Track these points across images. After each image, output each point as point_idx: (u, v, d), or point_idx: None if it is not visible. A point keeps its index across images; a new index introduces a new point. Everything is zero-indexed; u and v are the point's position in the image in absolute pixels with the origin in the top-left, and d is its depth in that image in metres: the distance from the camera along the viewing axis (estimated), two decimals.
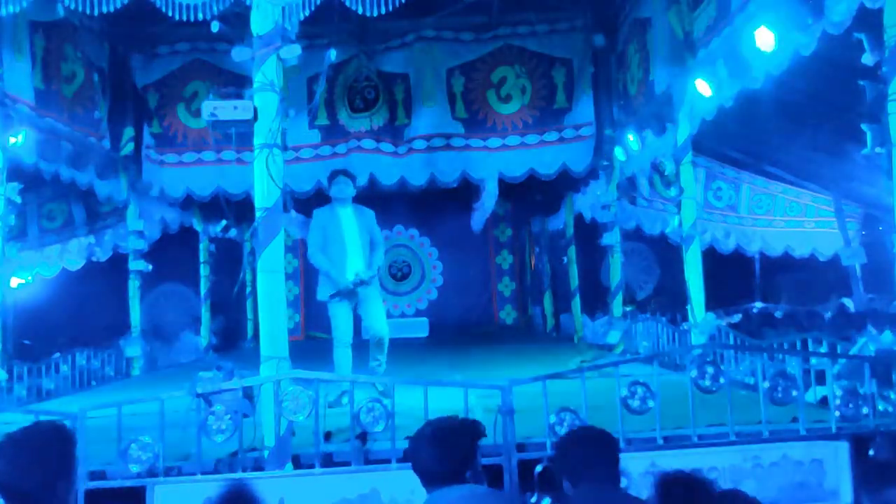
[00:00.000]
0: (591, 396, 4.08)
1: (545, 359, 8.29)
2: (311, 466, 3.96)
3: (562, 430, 3.85)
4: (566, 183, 10.12)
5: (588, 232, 10.76)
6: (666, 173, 7.72)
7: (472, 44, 9.28)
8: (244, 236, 12.49)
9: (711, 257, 9.80)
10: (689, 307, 6.82)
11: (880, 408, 4.30)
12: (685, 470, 2.76)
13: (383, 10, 5.00)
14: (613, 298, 9.50)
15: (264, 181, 4.30)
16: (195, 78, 9.27)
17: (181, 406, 4.37)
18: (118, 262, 10.31)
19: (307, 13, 4.58)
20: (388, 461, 3.97)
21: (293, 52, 4.40)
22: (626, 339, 9.16)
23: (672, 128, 7.09)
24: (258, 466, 4.04)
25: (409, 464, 2.58)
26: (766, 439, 4.08)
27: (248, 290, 11.58)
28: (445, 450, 2.46)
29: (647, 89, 7.72)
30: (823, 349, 5.30)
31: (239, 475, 3.90)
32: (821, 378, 4.98)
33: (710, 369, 4.28)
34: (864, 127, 4.41)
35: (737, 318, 10.40)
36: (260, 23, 4.39)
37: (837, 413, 4.19)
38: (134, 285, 9.52)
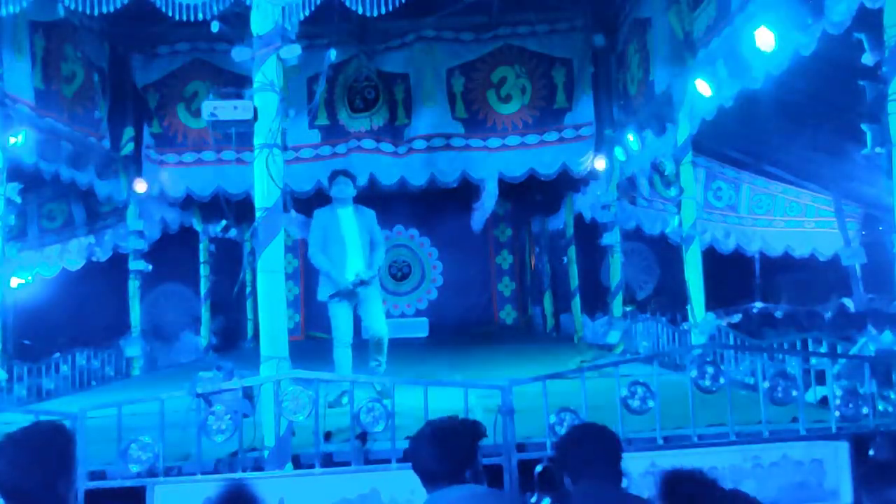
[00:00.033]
0: (591, 396, 4.08)
1: (545, 359, 8.29)
2: (311, 466, 3.96)
3: (562, 430, 3.84)
4: (566, 183, 10.12)
5: (588, 232, 10.76)
6: (666, 173, 7.72)
7: (472, 44, 9.29)
8: (244, 236, 12.48)
9: (711, 257, 9.80)
10: (689, 307, 6.82)
11: (880, 408, 4.30)
12: (690, 468, 2.76)
13: (383, 10, 5.00)
14: (613, 298, 9.50)
15: (264, 181, 4.30)
16: (195, 78, 9.27)
17: (181, 406, 4.36)
18: (118, 262, 10.31)
19: (307, 13, 4.58)
20: (388, 461, 3.97)
21: (293, 52, 4.40)
22: (626, 339, 9.16)
23: (672, 128, 7.09)
24: (258, 466, 4.04)
25: (409, 464, 2.58)
26: (766, 439, 4.08)
27: (248, 290, 11.58)
28: (446, 450, 2.46)
29: (647, 89, 7.72)
30: (823, 349, 5.30)
31: (239, 475, 3.90)
32: (821, 378, 4.98)
33: (710, 369, 4.28)
34: (864, 127, 4.41)
35: (737, 318, 10.39)
36: (260, 23, 4.39)
37: (837, 413, 4.19)
38: (134, 285, 9.53)
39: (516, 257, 14.36)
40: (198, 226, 11.84)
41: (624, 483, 2.59)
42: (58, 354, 7.93)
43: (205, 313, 11.95)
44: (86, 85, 8.32)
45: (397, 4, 4.99)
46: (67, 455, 2.09)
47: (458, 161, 9.30)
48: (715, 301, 7.61)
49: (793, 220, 12.24)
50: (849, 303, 10.89)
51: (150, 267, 9.75)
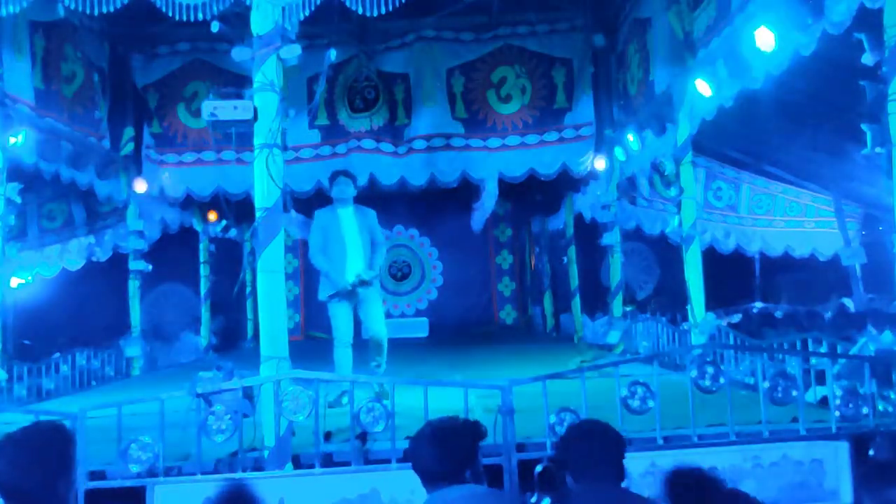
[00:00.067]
0: (591, 396, 4.08)
1: (545, 359, 8.29)
2: (311, 466, 3.96)
3: (562, 430, 3.83)
4: (566, 183, 10.12)
5: (588, 232, 10.76)
6: (666, 173, 7.72)
7: (472, 44, 9.29)
8: (244, 236, 12.49)
9: (711, 257, 9.80)
10: (689, 307, 6.82)
11: (880, 408, 4.30)
12: (694, 466, 2.76)
13: (383, 10, 5.00)
14: (613, 298, 9.50)
15: (264, 181, 4.31)
16: (195, 78, 9.28)
17: (181, 406, 4.36)
18: (118, 262, 10.31)
19: (307, 13, 4.58)
20: (388, 461, 3.97)
21: (293, 52, 4.41)
22: (626, 339, 9.16)
23: (672, 128, 7.09)
24: (258, 466, 4.04)
25: (409, 464, 2.58)
26: (766, 439, 4.08)
27: (248, 290, 11.58)
28: (446, 450, 2.46)
29: (647, 89, 7.72)
30: (823, 349, 5.30)
31: (239, 475, 3.90)
32: (821, 378, 4.97)
33: (710, 369, 4.28)
34: (864, 127, 4.41)
35: (737, 318, 10.39)
36: (260, 23, 4.39)
37: (837, 413, 4.19)
38: (134, 285, 9.53)
39: (516, 257, 14.37)
40: (198, 226, 11.85)
41: (623, 484, 2.59)
42: (58, 354, 7.93)
43: (205, 313, 11.95)
44: (86, 85, 8.33)
45: (397, 4, 4.99)
46: (67, 455, 2.09)
47: (458, 161, 9.31)
48: (715, 301, 7.61)
49: (793, 220, 12.24)
50: (849, 303, 10.89)
51: (150, 267, 9.75)
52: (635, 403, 4.11)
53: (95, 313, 10.88)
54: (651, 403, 4.10)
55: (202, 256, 12.02)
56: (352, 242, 5.85)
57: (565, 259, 11.45)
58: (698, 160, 9.46)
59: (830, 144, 9.06)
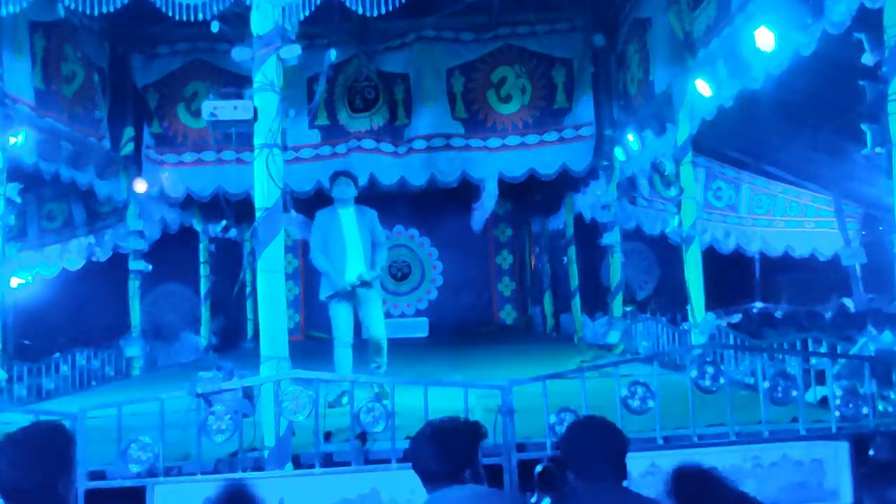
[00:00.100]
0: (591, 396, 4.08)
1: (545, 359, 8.29)
2: (311, 466, 3.96)
3: (562, 430, 3.84)
4: (566, 183, 10.12)
5: (588, 232, 10.76)
6: (666, 173, 7.71)
7: (472, 44, 9.28)
8: (244, 236, 12.49)
9: (711, 257, 9.80)
10: (689, 307, 6.82)
11: (880, 408, 4.30)
12: (699, 464, 2.75)
13: (383, 10, 5.00)
14: (613, 298, 9.49)
15: (264, 181, 4.31)
16: (195, 78, 9.27)
17: (181, 406, 4.36)
18: (118, 262, 10.31)
19: (307, 13, 4.58)
20: (388, 461, 3.97)
21: (293, 52, 4.41)
22: (626, 339, 9.16)
23: (672, 128, 7.09)
24: (258, 466, 4.04)
25: (409, 464, 2.58)
26: (766, 439, 4.08)
27: (248, 290, 11.59)
28: (446, 450, 2.46)
29: (647, 89, 7.72)
30: (823, 349, 5.30)
31: (239, 475, 3.90)
32: (821, 378, 4.97)
33: (710, 369, 4.28)
34: (864, 127, 4.41)
35: (737, 318, 10.39)
36: (260, 23, 4.39)
37: (837, 413, 4.19)
38: (134, 285, 9.52)
39: (516, 257, 14.37)
40: (198, 226, 11.84)
41: (625, 483, 2.59)
42: (58, 354, 7.93)
43: (205, 313, 11.95)
44: (86, 85, 8.32)
45: (397, 4, 4.99)
46: (67, 455, 2.09)
47: (458, 161, 9.30)
48: (715, 301, 7.61)
49: (793, 220, 12.24)
50: (849, 303, 10.89)
51: (150, 267, 9.75)
52: (635, 403, 4.11)
53: (95, 313, 10.88)
54: (651, 403, 4.10)
55: (202, 256, 12.01)
56: (352, 243, 5.84)
57: (565, 259, 11.45)
58: (698, 160, 9.47)
59: (830, 144, 9.06)
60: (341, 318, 5.81)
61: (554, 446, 3.85)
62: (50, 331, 10.37)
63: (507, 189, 10.36)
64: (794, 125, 8.79)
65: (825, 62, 5.39)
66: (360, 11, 5.01)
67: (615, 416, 3.99)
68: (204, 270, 12.01)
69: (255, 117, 4.32)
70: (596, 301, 10.88)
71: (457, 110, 9.27)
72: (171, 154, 9.44)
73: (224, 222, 11.58)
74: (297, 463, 4.07)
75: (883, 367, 4.40)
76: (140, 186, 9.34)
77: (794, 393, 4.20)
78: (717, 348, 6.00)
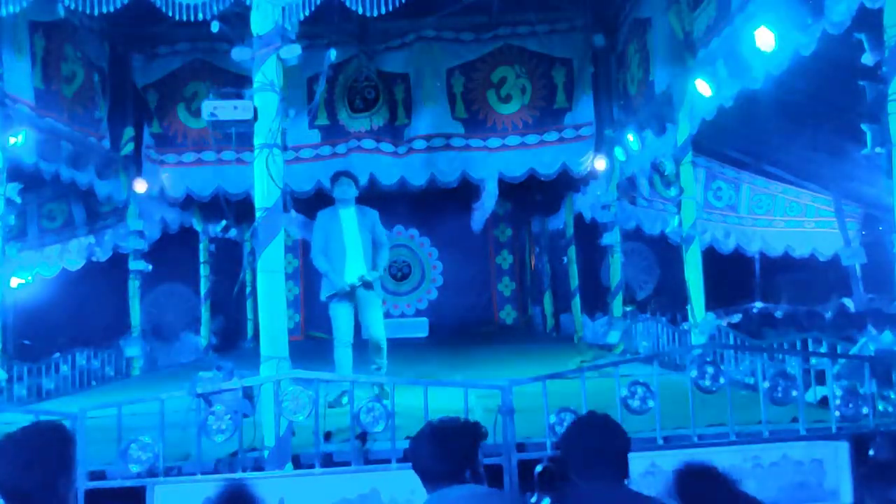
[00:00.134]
0: (591, 396, 4.07)
1: (545, 359, 8.28)
2: (311, 466, 3.96)
3: (562, 430, 3.84)
4: (566, 183, 10.12)
5: (588, 232, 10.76)
6: (666, 173, 7.71)
7: (472, 44, 9.29)
8: (244, 236, 12.49)
9: (711, 257, 9.80)
10: (689, 307, 6.82)
11: (880, 408, 4.30)
12: (703, 463, 2.75)
13: (383, 10, 5.00)
14: (613, 298, 9.50)
15: (264, 181, 4.31)
16: (195, 78, 9.27)
17: (181, 406, 4.36)
18: (118, 262, 10.31)
19: (307, 13, 4.58)
20: (388, 461, 3.97)
21: (293, 52, 4.41)
22: (626, 339, 9.16)
23: (672, 128, 7.09)
24: (258, 466, 4.04)
25: (409, 464, 2.58)
26: (766, 439, 4.08)
27: (248, 290, 11.58)
28: (446, 450, 2.46)
29: (647, 89, 7.72)
30: (823, 349, 5.31)
31: (239, 475, 3.90)
32: (821, 378, 4.97)
33: (710, 369, 4.27)
34: (864, 127, 4.42)
35: (737, 318, 10.40)
36: (260, 23, 4.39)
37: (837, 413, 4.18)
38: (134, 285, 9.53)
39: (516, 257, 14.36)
40: (198, 226, 11.84)
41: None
42: (58, 354, 7.93)
43: (205, 313, 11.94)
44: (86, 85, 8.33)
45: (397, 4, 4.99)
46: (67, 455, 2.09)
47: (458, 161, 9.31)
48: (715, 301, 7.61)
49: (793, 220, 12.24)
50: (849, 303, 10.90)
51: (150, 267, 9.75)
52: (635, 403, 4.11)
53: (95, 313, 10.88)
54: (651, 403, 4.10)
55: (202, 256, 12.01)
56: (352, 243, 5.84)
57: (565, 259, 11.45)
58: (698, 160, 9.47)
59: (830, 144, 9.06)
60: (341, 318, 5.81)
61: (554, 446, 3.85)
62: (50, 331, 10.38)
63: (507, 189, 10.36)
64: (794, 125, 8.79)
65: (825, 62, 5.39)
66: (360, 11, 5.01)
67: (615, 416, 3.97)
68: (204, 270, 12.01)
69: (255, 117, 4.32)
70: (596, 301, 10.88)
71: (457, 110, 9.27)
72: (171, 154, 9.45)
73: (224, 222, 11.57)
74: (297, 463, 4.07)
75: (883, 367, 4.40)
76: (140, 186, 9.34)
77: (794, 393, 4.20)
78: (717, 348, 6.01)
